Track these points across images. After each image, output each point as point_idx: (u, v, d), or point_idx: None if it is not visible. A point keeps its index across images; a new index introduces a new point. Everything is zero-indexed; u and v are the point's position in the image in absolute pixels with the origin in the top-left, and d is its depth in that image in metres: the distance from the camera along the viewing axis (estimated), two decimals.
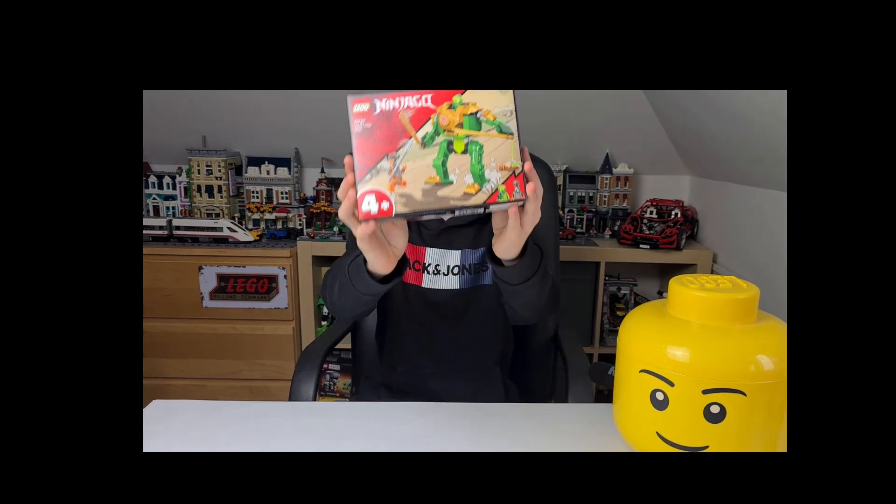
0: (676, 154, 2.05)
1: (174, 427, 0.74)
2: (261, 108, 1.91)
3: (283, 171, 2.06)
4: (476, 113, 0.57)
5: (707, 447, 0.60)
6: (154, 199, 2.09)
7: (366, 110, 0.56)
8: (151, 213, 2.09)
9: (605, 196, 2.09)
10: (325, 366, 1.04)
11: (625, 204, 2.10)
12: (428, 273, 0.97)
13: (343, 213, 0.60)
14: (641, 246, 1.84)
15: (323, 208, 2.04)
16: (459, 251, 0.97)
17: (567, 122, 1.96)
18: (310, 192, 2.14)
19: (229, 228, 1.90)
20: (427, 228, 0.98)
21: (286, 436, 0.72)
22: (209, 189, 2.04)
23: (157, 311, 1.85)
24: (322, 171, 2.10)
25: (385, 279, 0.74)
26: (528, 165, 0.60)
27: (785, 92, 1.04)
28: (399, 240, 0.69)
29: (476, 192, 0.58)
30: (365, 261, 0.72)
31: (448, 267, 0.97)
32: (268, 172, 2.06)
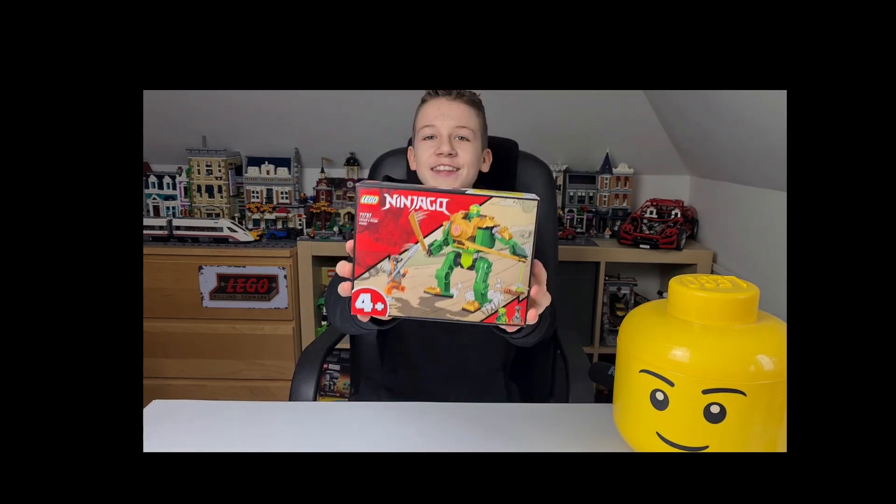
0: (676, 154, 2.05)
1: (174, 427, 0.74)
2: (261, 108, 1.91)
3: (283, 171, 2.06)
4: (492, 228, 0.53)
5: (707, 447, 0.60)
6: (154, 199, 2.09)
7: (374, 203, 0.52)
8: (151, 213, 2.09)
9: (605, 196, 2.09)
10: (325, 366, 1.04)
11: (625, 204, 2.10)
12: None
13: (345, 294, 0.57)
14: (641, 246, 1.84)
15: (323, 208, 2.04)
16: None
17: (567, 122, 1.96)
18: (310, 192, 2.14)
19: (229, 228, 1.90)
20: None
21: (286, 436, 0.72)
22: (209, 189, 2.04)
23: (158, 311, 1.85)
24: (322, 171, 2.10)
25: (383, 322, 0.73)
26: (535, 290, 0.56)
27: (785, 92, 1.04)
28: None
29: (474, 310, 0.55)
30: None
31: None
32: (268, 172, 2.06)
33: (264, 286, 1.85)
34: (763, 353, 0.59)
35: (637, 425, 0.66)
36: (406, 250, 0.53)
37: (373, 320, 0.70)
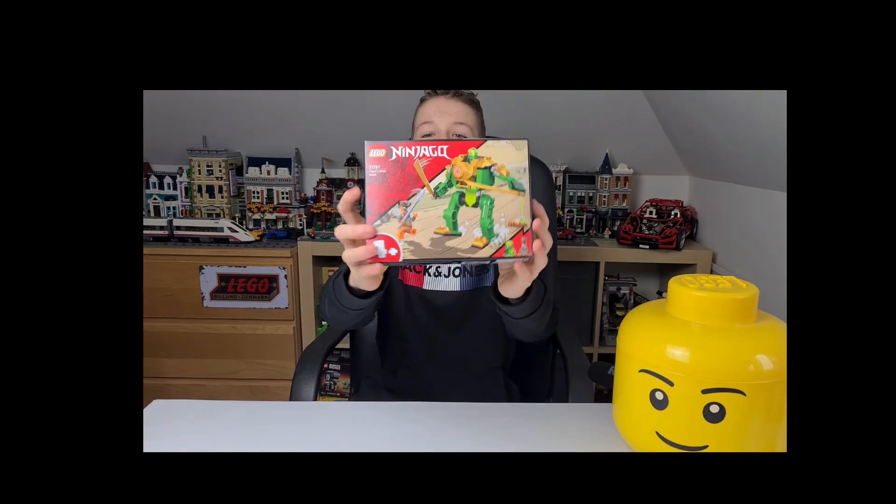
0: (676, 154, 2.05)
1: (174, 427, 0.74)
2: (261, 108, 1.92)
3: (283, 172, 2.06)
4: (490, 167, 0.57)
5: (706, 447, 0.60)
6: (155, 199, 2.09)
7: (381, 156, 0.57)
8: (152, 214, 2.09)
9: (604, 196, 2.09)
10: (325, 365, 1.04)
11: (624, 204, 2.10)
12: (429, 275, 0.97)
13: (350, 259, 0.59)
14: (641, 246, 1.84)
15: (323, 208, 2.04)
16: None
17: (567, 123, 1.96)
18: (310, 193, 2.14)
19: (230, 228, 1.90)
20: None
21: (286, 436, 0.72)
22: (210, 189, 2.04)
23: (159, 310, 1.86)
24: (322, 172, 2.10)
25: (366, 294, 0.74)
26: (538, 223, 0.59)
27: (785, 92, 1.04)
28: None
29: (483, 246, 0.58)
30: (346, 279, 0.73)
31: (449, 268, 0.97)
32: (268, 173, 2.06)
33: (265, 286, 1.86)
34: (762, 352, 0.59)
35: (636, 425, 0.66)
36: (414, 195, 0.57)
37: (357, 294, 0.73)
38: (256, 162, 2.07)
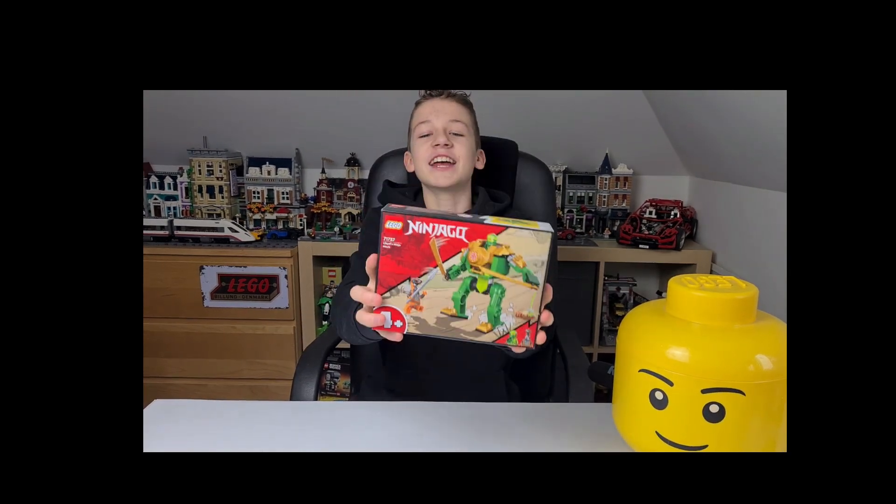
0: (676, 154, 2.05)
1: (174, 427, 0.74)
2: (262, 108, 1.92)
3: (283, 172, 2.06)
4: (507, 256, 0.56)
5: (706, 447, 0.60)
6: (155, 199, 2.09)
7: (398, 229, 0.56)
8: (153, 214, 2.09)
9: (604, 196, 2.09)
10: (325, 365, 1.04)
11: (624, 204, 2.10)
12: None
13: (365, 323, 0.60)
14: (641, 246, 1.84)
15: (324, 208, 2.04)
16: None
17: (567, 123, 1.96)
18: (311, 193, 2.15)
19: (230, 228, 1.90)
20: None
21: (286, 436, 0.73)
22: (210, 189, 2.04)
23: (159, 310, 1.86)
24: (323, 172, 2.10)
25: None
26: (546, 315, 0.59)
27: (785, 92, 1.04)
28: None
29: (487, 332, 0.59)
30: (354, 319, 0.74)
31: None
32: (269, 173, 2.06)
33: (265, 286, 1.86)
34: (762, 352, 0.59)
35: (636, 425, 0.66)
36: (426, 273, 0.56)
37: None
38: (257, 162, 2.07)
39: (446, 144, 0.95)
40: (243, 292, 1.86)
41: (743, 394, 0.58)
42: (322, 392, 2.02)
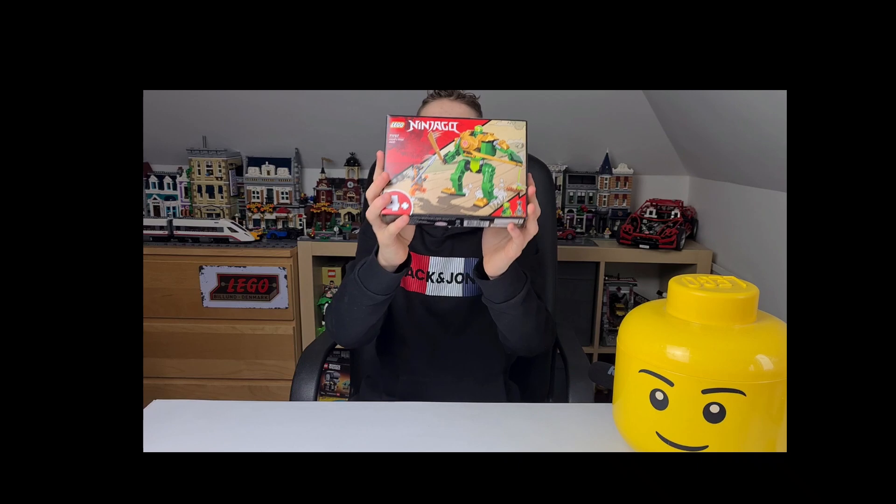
0: (676, 154, 2.05)
1: (174, 427, 0.74)
2: (261, 108, 1.91)
3: (283, 172, 2.06)
4: (493, 141, 0.67)
5: (706, 447, 0.60)
6: (154, 199, 2.09)
7: (401, 127, 0.67)
8: (152, 214, 2.09)
9: (604, 196, 2.09)
10: (325, 366, 1.04)
11: (624, 204, 2.10)
12: (432, 281, 0.97)
13: (372, 212, 0.68)
14: (641, 246, 1.84)
15: (323, 208, 2.04)
16: (463, 259, 0.97)
17: (567, 122, 1.96)
18: (310, 193, 2.14)
19: (230, 228, 1.90)
20: (431, 236, 0.98)
21: (286, 436, 0.72)
22: (210, 189, 2.04)
23: (158, 311, 1.85)
24: (322, 172, 2.10)
25: (397, 269, 0.81)
26: (532, 189, 0.68)
27: (784, 92, 1.04)
28: (409, 230, 0.78)
29: (484, 206, 0.67)
30: (375, 259, 0.79)
31: (452, 274, 0.97)
32: (268, 173, 2.06)
33: (265, 286, 1.86)
34: (762, 352, 0.59)
35: (637, 425, 0.66)
36: (426, 160, 0.66)
37: (387, 272, 0.80)
38: (256, 162, 2.07)
39: None
40: (243, 292, 1.86)
41: (743, 394, 0.58)
42: (322, 392, 2.02)
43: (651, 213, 1.97)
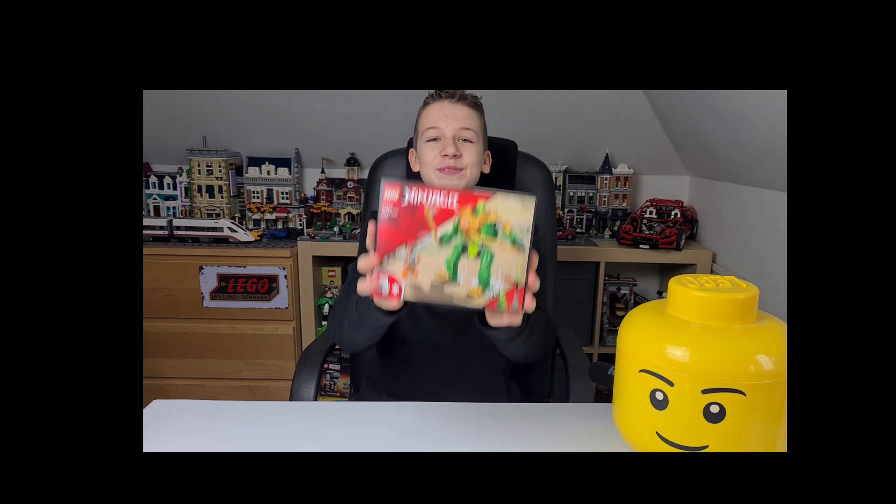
0: (676, 154, 2.05)
1: (174, 427, 0.74)
2: (261, 108, 1.91)
3: (283, 172, 2.06)
4: (495, 223, 0.60)
5: (707, 447, 0.60)
6: (154, 199, 2.09)
7: (395, 199, 0.60)
8: (152, 214, 2.09)
9: (604, 196, 2.09)
10: (325, 366, 1.04)
11: (624, 204, 2.10)
12: None
13: (362, 290, 0.64)
14: (641, 246, 1.84)
15: (323, 208, 2.04)
16: None
17: (567, 123, 1.96)
18: (310, 193, 2.14)
19: (230, 228, 1.90)
20: None
21: (286, 436, 0.72)
22: (210, 189, 2.04)
23: (158, 310, 1.86)
24: (322, 172, 2.10)
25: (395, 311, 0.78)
26: (532, 279, 0.63)
27: (784, 92, 1.04)
28: None
29: (478, 296, 0.62)
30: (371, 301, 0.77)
31: None
32: (268, 173, 2.06)
33: (265, 286, 1.86)
34: (762, 352, 0.59)
35: (637, 425, 0.66)
36: (420, 239, 0.60)
37: (384, 312, 0.76)
38: (256, 162, 2.07)
39: (455, 155, 0.92)
40: (243, 292, 1.86)
41: (743, 394, 0.58)
42: (321, 392, 2.02)
43: (651, 213, 1.97)
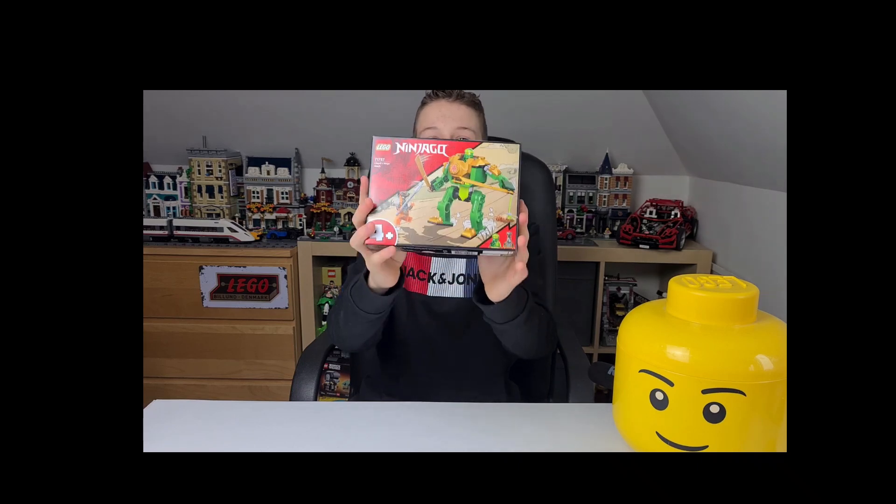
0: (676, 154, 2.05)
1: (174, 427, 0.74)
2: (261, 108, 1.91)
3: (283, 172, 2.06)
4: (483, 167, 0.62)
5: (707, 447, 0.60)
6: (155, 199, 2.09)
7: (387, 150, 0.62)
8: (152, 214, 2.09)
9: (604, 196, 2.09)
10: (325, 366, 1.04)
11: (624, 204, 2.10)
12: (433, 282, 0.97)
13: (356, 241, 0.64)
14: (641, 246, 1.84)
15: (323, 208, 2.04)
16: (465, 260, 0.96)
17: (567, 123, 1.96)
18: (310, 193, 2.14)
19: (230, 228, 1.90)
20: None
21: (286, 436, 0.72)
22: (210, 189, 2.04)
23: (158, 311, 1.86)
24: (322, 172, 2.10)
25: (388, 291, 0.78)
26: (523, 217, 0.64)
27: (784, 92, 1.04)
28: (399, 255, 0.73)
29: (472, 237, 0.63)
30: (366, 280, 0.77)
31: (453, 275, 0.97)
32: (268, 173, 2.06)
33: (265, 286, 1.86)
34: (762, 352, 0.59)
35: (637, 425, 0.66)
36: (413, 186, 0.62)
37: (378, 293, 0.77)
38: (256, 162, 2.07)
39: None
40: (243, 292, 1.86)
41: (743, 394, 0.58)
42: (322, 392, 2.02)
43: (651, 213, 1.97)
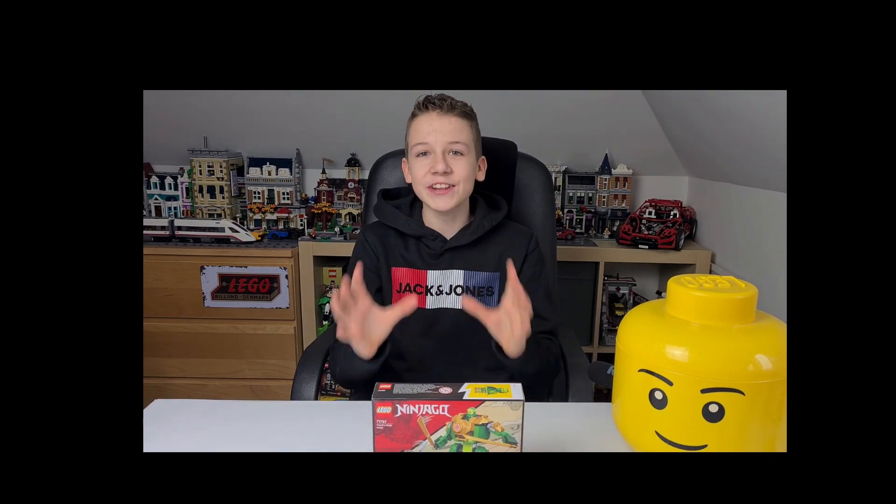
0: (675, 155, 2.05)
1: (175, 426, 0.74)
2: (262, 108, 1.92)
3: (284, 172, 2.06)
4: (486, 424, 0.62)
5: (706, 446, 0.60)
6: (156, 199, 2.09)
7: (388, 412, 0.61)
8: (153, 214, 2.09)
9: (604, 196, 2.09)
10: (326, 365, 1.04)
11: (624, 204, 2.10)
12: (431, 294, 0.97)
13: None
14: (640, 246, 1.84)
15: (324, 209, 2.04)
16: (461, 271, 0.96)
17: (567, 123, 1.96)
18: (311, 193, 2.15)
19: (231, 229, 1.90)
20: (429, 248, 0.97)
21: (287, 435, 0.73)
22: (211, 189, 2.04)
23: (160, 310, 1.86)
24: (323, 172, 2.10)
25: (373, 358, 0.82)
26: (526, 327, 0.72)
27: (784, 92, 1.04)
28: (378, 329, 0.80)
29: None
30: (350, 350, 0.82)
31: (451, 286, 0.97)
32: (269, 173, 2.07)
33: (266, 286, 1.86)
34: (762, 352, 0.59)
35: (636, 424, 0.66)
36: (417, 446, 0.62)
37: (364, 360, 0.82)
38: (257, 162, 2.07)
39: (445, 171, 0.90)
40: (244, 292, 1.86)
41: (742, 394, 0.58)
42: (322, 392, 2.02)
43: (650, 213, 1.97)
